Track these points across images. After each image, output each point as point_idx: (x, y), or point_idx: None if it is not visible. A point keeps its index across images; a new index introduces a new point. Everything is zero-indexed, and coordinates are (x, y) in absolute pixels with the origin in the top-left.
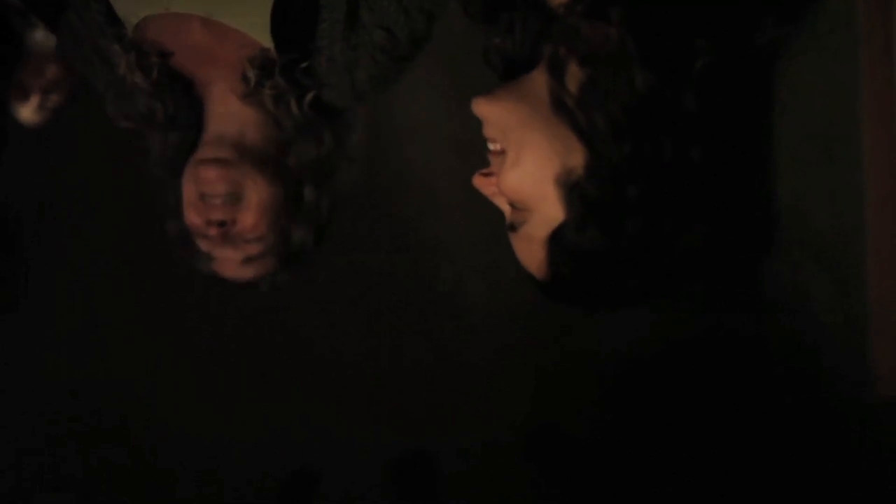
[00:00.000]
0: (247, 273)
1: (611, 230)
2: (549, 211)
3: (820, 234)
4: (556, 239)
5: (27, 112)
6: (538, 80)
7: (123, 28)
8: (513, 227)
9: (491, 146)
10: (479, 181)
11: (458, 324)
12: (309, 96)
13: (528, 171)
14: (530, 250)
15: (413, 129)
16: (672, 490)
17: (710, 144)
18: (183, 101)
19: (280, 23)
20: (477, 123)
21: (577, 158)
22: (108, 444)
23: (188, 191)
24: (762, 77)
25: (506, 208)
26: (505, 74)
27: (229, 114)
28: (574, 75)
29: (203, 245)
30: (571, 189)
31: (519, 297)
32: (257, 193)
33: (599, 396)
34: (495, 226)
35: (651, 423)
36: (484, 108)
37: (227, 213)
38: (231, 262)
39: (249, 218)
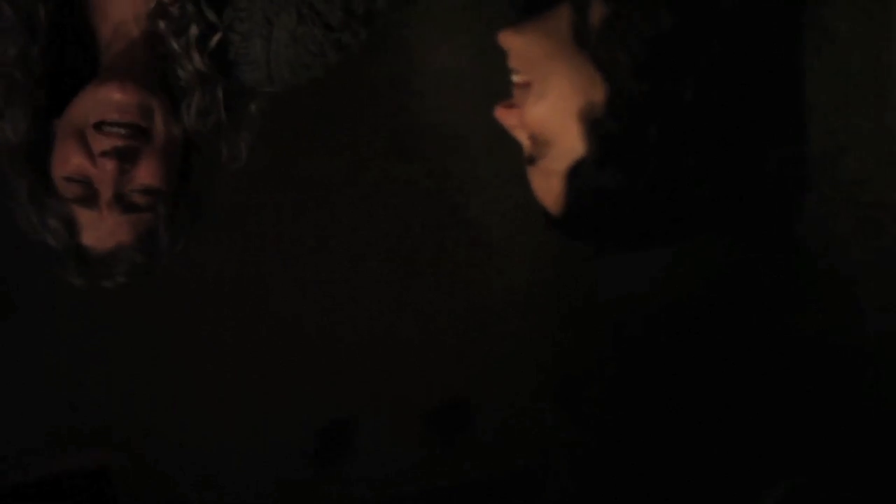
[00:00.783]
0: (121, 235)
1: (630, 168)
2: (570, 144)
3: (854, 178)
4: (575, 173)
5: None
6: (563, 13)
7: None
8: (531, 160)
9: (515, 78)
10: (501, 113)
11: (486, 265)
12: (214, 39)
13: (553, 103)
14: (548, 184)
15: (438, 73)
16: (698, 438)
17: (734, 86)
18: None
19: None
20: (502, 67)
21: (599, 94)
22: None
23: (75, 123)
24: (793, 19)
25: (525, 141)
26: (528, 10)
27: (135, 47)
28: (598, 10)
29: (75, 192)
30: (593, 124)
31: (546, 237)
32: (165, 128)
33: (626, 339)
34: (521, 167)
35: (676, 367)
36: (511, 40)
37: (128, 142)
38: (108, 217)
39: (152, 157)
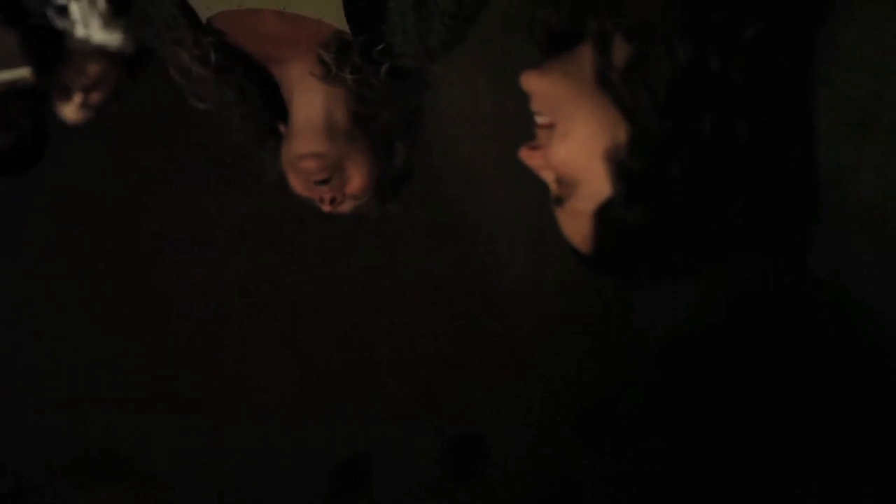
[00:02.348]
0: (348, 208)
1: (655, 205)
2: (596, 185)
3: (866, 205)
4: (603, 213)
5: (69, 111)
6: (585, 54)
7: (195, 19)
8: (559, 201)
9: (539, 119)
10: (525, 154)
11: (503, 301)
12: (385, 67)
13: (578, 145)
14: (576, 224)
15: (457, 107)
16: (723, 468)
17: (754, 117)
18: (253, 83)
19: (352, 6)
20: (520, 100)
21: (621, 134)
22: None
23: (294, 180)
24: (805, 48)
25: (552, 183)
26: (549, 49)
27: (313, 96)
28: (620, 50)
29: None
30: (617, 164)
31: (564, 273)
32: (358, 168)
33: (646, 371)
34: (539, 202)
35: (698, 397)
36: (533, 82)
37: (334, 191)
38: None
39: (356, 184)
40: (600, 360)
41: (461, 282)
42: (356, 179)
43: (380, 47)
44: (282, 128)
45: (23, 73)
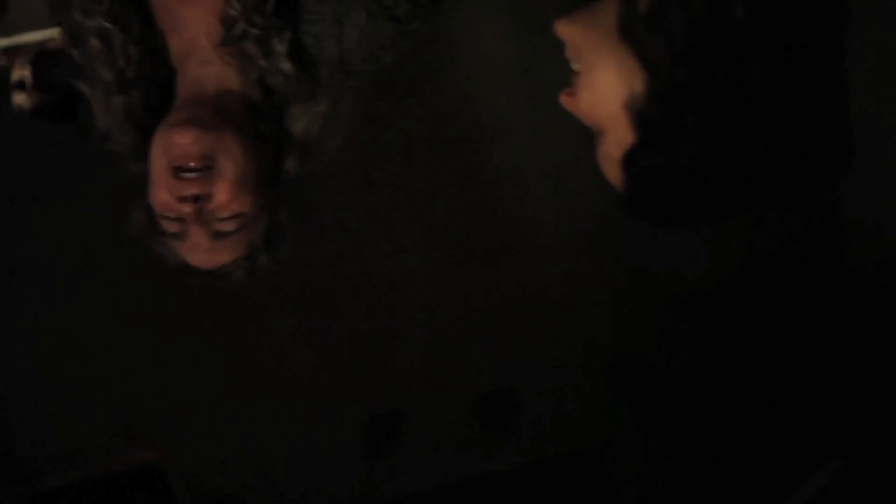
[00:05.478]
0: (219, 258)
1: (676, 153)
2: (620, 132)
3: None
4: (629, 159)
5: (20, 98)
6: (611, 4)
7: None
8: (595, 145)
9: (574, 67)
10: (565, 100)
11: (535, 252)
12: (287, 35)
13: (600, 92)
14: (609, 168)
15: (483, 56)
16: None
17: (775, 65)
18: (143, 63)
19: None
20: (547, 49)
21: (640, 84)
22: None
23: (157, 164)
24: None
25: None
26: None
27: (207, 76)
28: (644, 0)
29: (170, 228)
30: (638, 113)
31: (590, 221)
32: (234, 163)
33: (674, 319)
34: (567, 152)
35: (726, 345)
36: (564, 29)
37: (201, 187)
38: (202, 247)
39: (225, 191)
40: (635, 311)
41: (489, 235)
42: (228, 183)
43: (286, 37)
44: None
45: (51, 33)
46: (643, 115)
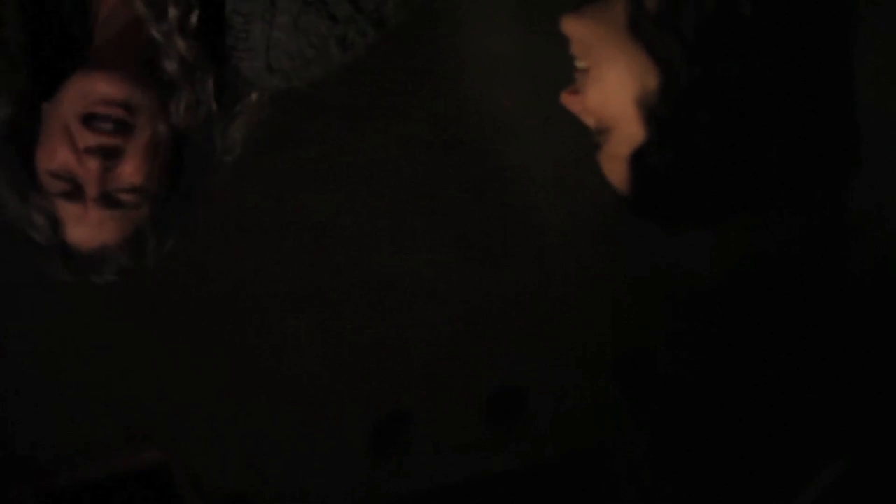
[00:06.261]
0: (106, 234)
1: (686, 151)
2: (629, 130)
3: None
4: (637, 158)
5: None
6: (619, 0)
7: None
8: (598, 145)
9: (578, 64)
10: (566, 98)
11: (540, 250)
12: (193, 18)
13: (610, 89)
14: (614, 168)
15: (490, 52)
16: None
17: (785, 62)
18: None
19: None
20: (555, 46)
21: (652, 80)
22: None
23: (65, 113)
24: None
25: (592, 126)
26: None
27: (127, 25)
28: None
29: (59, 187)
30: (649, 110)
31: (593, 221)
32: (151, 127)
33: (676, 319)
34: (575, 150)
35: (735, 344)
36: (571, 26)
37: (115, 140)
38: (92, 217)
39: (137, 155)
40: (639, 309)
41: (491, 235)
42: (140, 149)
43: (194, 16)
44: (45, 108)
45: None
46: (655, 112)
